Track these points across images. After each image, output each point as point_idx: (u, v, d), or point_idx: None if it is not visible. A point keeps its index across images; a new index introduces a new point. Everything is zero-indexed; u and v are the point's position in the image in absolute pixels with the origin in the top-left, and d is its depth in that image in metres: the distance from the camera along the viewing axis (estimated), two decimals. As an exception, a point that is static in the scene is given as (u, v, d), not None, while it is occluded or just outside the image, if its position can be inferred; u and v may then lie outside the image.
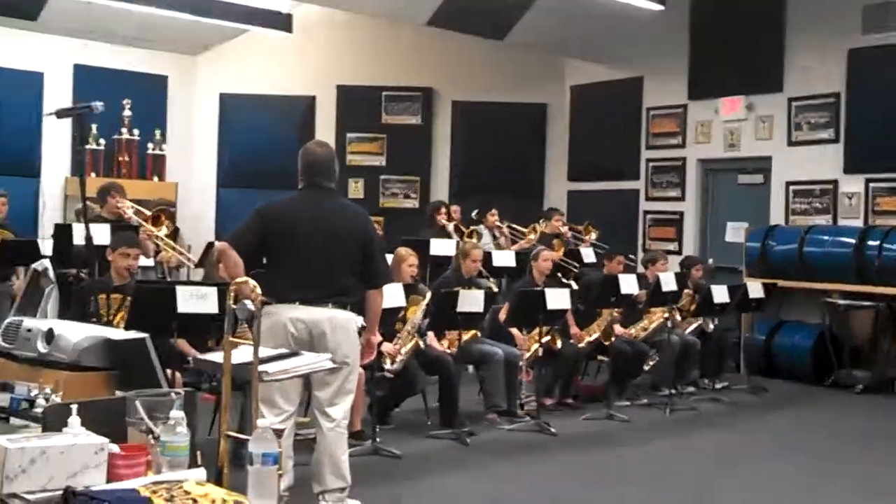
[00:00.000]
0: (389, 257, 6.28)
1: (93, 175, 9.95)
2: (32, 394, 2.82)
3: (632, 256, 9.57)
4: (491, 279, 8.58)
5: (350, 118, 11.83)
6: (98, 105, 4.16)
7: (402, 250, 6.87)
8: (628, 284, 7.46)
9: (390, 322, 6.17)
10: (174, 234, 7.60)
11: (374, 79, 11.80)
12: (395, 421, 6.68)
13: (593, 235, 10.00)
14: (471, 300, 6.37)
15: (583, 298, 7.64)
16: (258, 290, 2.96)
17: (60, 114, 4.36)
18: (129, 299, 5.40)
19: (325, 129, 11.65)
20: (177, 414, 2.52)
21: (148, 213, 7.33)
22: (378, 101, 11.85)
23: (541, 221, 9.92)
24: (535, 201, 11.53)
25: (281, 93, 11.70)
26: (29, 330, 3.11)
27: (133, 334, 3.05)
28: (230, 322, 2.93)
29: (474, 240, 8.97)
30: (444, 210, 9.58)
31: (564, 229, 9.93)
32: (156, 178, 10.84)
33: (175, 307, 4.91)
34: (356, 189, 11.79)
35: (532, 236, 9.59)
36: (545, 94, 12.01)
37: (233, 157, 11.63)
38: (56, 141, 10.28)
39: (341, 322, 4.46)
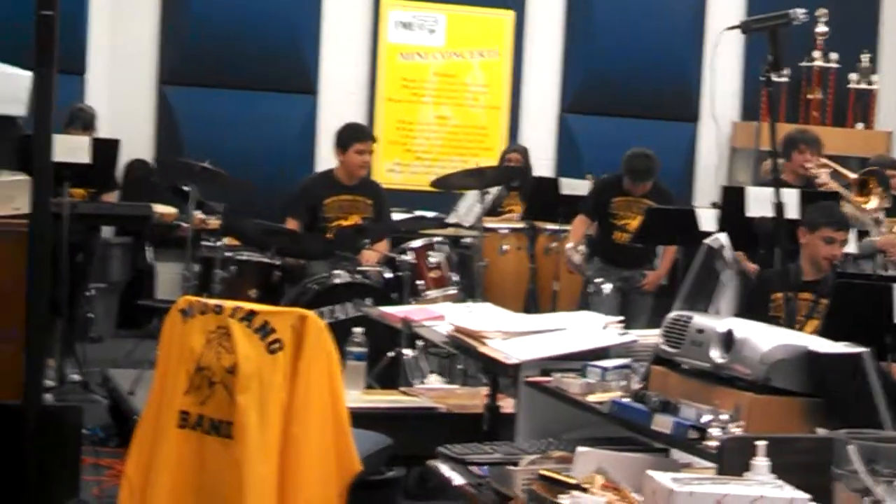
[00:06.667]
0: None
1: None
2: (703, 420, 3.02)
3: None
4: None
5: None
6: (800, 13, 4.29)
7: None
8: None
9: None
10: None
11: None
12: None
13: None
14: None
15: None
16: None
17: (747, 27, 4.55)
18: (823, 303, 5.58)
19: None
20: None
21: (851, 175, 7.41)
22: None
23: None
24: None
25: None
26: (700, 331, 3.31)
27: (844, 348, 3.11)
28: None
29: None
30: None
31: None
32: (860, 125, 10.88)
33: (891, 315, 4.88)
34: None
35: None
36: None
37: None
38: (722, 69, 10.76)
39: None
